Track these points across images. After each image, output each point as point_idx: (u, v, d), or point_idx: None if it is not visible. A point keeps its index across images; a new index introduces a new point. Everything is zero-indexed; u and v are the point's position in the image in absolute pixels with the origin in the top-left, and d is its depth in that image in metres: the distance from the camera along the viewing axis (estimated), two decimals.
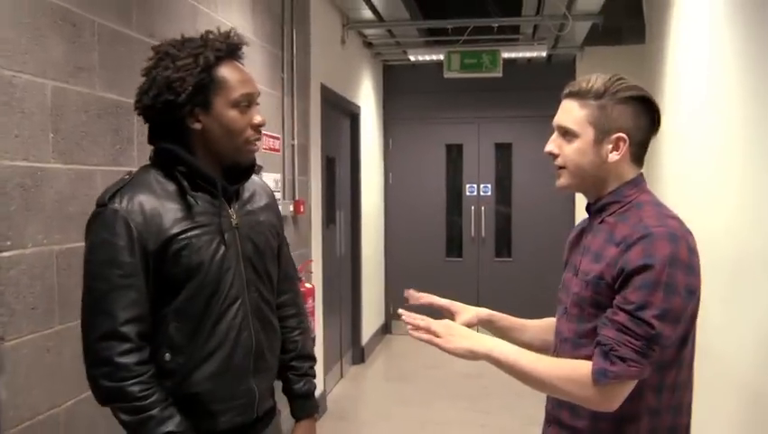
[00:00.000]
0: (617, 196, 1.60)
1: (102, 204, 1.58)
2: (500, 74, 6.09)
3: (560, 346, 1.66)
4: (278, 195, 4.21)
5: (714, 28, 2.96)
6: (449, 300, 1.85)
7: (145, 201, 1.59)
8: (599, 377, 1.47)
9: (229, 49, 1.68)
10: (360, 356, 6.63)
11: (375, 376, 6.43)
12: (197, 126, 1.65)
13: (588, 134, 1.58)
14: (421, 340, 1.59)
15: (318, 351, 5.05)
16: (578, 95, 1.60)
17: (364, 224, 6.84)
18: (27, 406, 2.00)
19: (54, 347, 2.11)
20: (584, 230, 1.70)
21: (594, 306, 1.56)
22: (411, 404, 5.41)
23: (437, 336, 1.57)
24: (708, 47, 3.06)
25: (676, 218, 1.56)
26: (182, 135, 1.66)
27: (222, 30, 1.71)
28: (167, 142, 1.66)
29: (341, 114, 6.17)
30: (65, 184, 2.17)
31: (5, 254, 1.92)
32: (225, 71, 1.65)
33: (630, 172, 1.61)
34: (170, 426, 1.57)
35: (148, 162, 1.71)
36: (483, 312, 1.85)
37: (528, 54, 6.62)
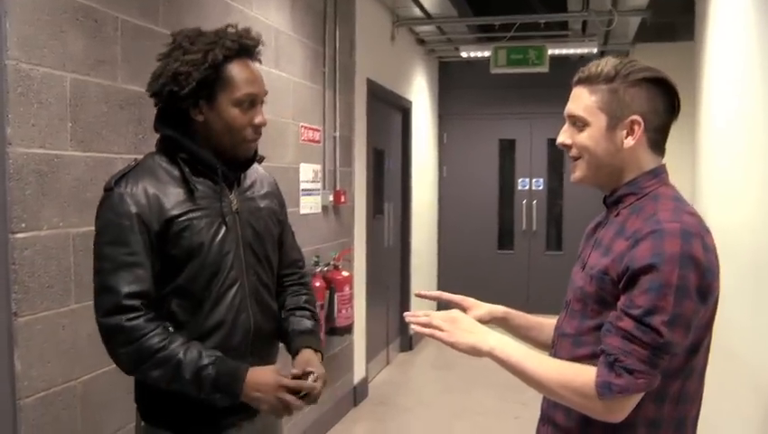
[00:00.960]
0: (633, 187, 1.49)
1: (109, 189, 1.68)
2: (546, 69, 6.06)
3: (559, 342, 1.59)
4: (318, 186, 4.30)
5: (749, 26, 2.86)
6: (461, 296, 1.79)
7: (149, 184, 1.68)
8: (604, 391, 1.36)
9: (242, 47, 1.72)
10: (407, 344, 6.70)
11: (420, 364, 6.48)
12: (200, 117, 1.72)
13: (600, 120, 1.48)
14: (424, 334, 1.53)
15: (360, 338, 5.14)
16: (588, 80, 1.50)
17: (415, 215, 6.89)
18: (42, 378, 2.14)
19: (70, 325, 2.24)
20: (599, 223, 1.61)
21: (598, 303, 1.46)
22: (451, 392, 5.44)
23: (441, 330, 1.51)
24: (744, 45, 2.96)
25: (694, 214, 1.43)
26: (186, 123, 1.74)
27: (242, 27, 1.76)
28: (172, 128, 1.74)
29: (390, 108, 6.22)
30: (83, 171, 2.30)
31: (20, 235, 2.05)
32: (233, 69, 1.70)
33: (649, 161, 1.50)
34: (203, 360, 1.63)
35: (154, 149, 1.80)
36: (498, 309, 1.78)
37: (578, 51, 6.54)
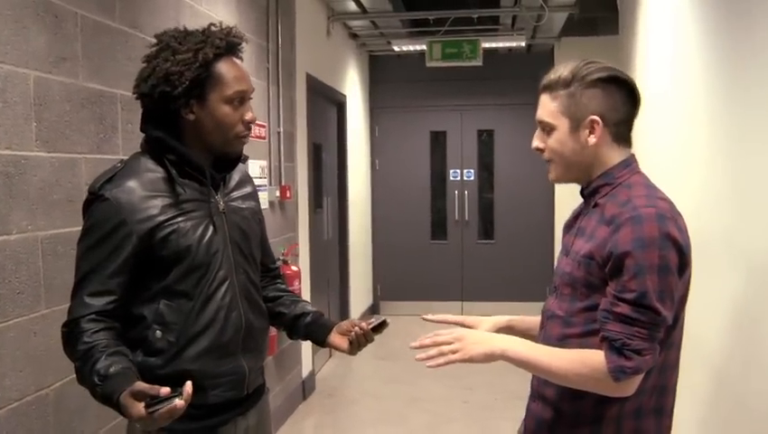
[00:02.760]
0: (608, 178, 1.60)
1: (93, 192, 1.67)
2: (480, 63, 6.21)
3: (548, 323, 1.67)
4: (265, 181, 4.28)
5: (678, 20, 3.03)
6: (462, 316, 1.87)
7: (135, 188, 1.66)
8: (618, 375, 1.46)
9: (229, 46, 1.74)
10: None
11: (363, 355, 6.40)
12: (190, 117, 1.71)
13: (563, 124, 1.59)
14: (440, 366, 1.56)
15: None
16: (549, 87, 1.61)
17: (351, 209, 6.93)
18: (15, 387, 2.07)
19: (41, 330, 2.18)
20: (579, 214, 1.71)
21: (586, 287, 1.56)
22: (398, 382, 5.51)
23: (452, 352, 1.55)
24: (673, 38, 3.13)
25: (666, 199, 1.55)
26: (175, 123, 1.73)
27: (224, 26, 1.77)
28: (160, 129, 1.72)
29: (327, 102, 6.23)
30: (49, 172, 2.23)
31: None
32: (222, 68, 1.71)
33: (615, 154, 1.61)
34: (97, 375, 1.57)
35: (139, 149, 1.78)
36: (501, 320, 1.85)
37: (507, 44, 6.74)
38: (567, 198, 8.50)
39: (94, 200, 1.66)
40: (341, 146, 6.70)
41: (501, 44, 6.74)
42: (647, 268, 1.45)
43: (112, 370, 1.57)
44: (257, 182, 4.09)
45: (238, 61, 1.77)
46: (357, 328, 1.92)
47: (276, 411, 4.45)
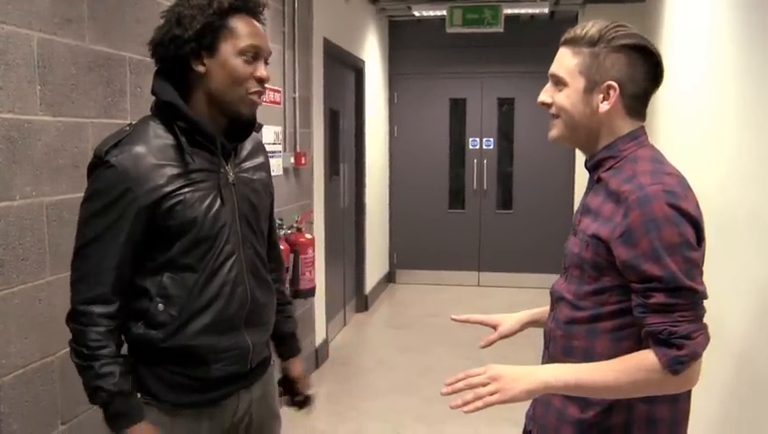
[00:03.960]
0: (612, 151, 1.51)
1: (99, 156, 1.62)
2: (501, 29, 6.05)
3: (557, 306, 1.61)
4: (279, 147, 4.22)
5: None
6: (487, 315, 1.81)
7: (142, 155, 1.61)
8: (676, 367, 1.38)
9: (245, 3, 1.69)
10: (363, 304, 6.72)
11: (377, 324, 6.52)
12: (201, 68, 1.66)
13: (578, 83, 1.50)
14: (478, 409, 1.43)
15: (320, 299, 5.11)
16: (572, 42, 1.52)
17: (368, 176, 6.86)
18: (20, 354, 2.05)
19: (46, 297, 2.15)
20: (587, 190, 1.63)
21: (594, 269, 1.49)
22: (412, 351, 5.50)
23: (490, 394, 1.43)
24: (703, 10, 3.00)
25: (675, 174, 1.46)
26: (186, 78, 1.67)
27: None
28: (170, 85, 1.67)
29: (345, 68, 6.13)
30: (54, 137, 2.18)
31: None
32: (237, 21, 1.67)
33: (625, 126, 1.52)
34: (103, 382, 1.60)
35: (149, 112, 1.73)
36: (525, 316, 1.81)
37: (530, 10, 6.56)
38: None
39: (99, 165, 1.61)
40: (359, 113, 6.61)
41: (523, 10, 6.57)
42: (667, 249, 1.37)
43: (126, 387, 1.62)
44: (271, 148, 4.06)
45: (257, 22, 1.72)
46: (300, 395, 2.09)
47: None
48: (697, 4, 3.21)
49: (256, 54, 1.68)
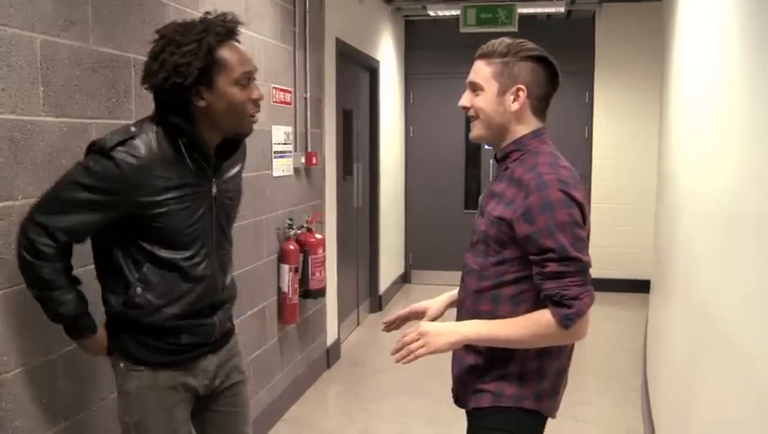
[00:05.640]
0: (518, 145, 1.81)
1: (103, 147, 1.79)
2: (515, 28, 6.01)
3: (466, 277, 1.90)
4: (290, 147, 4.23)
5: None
6: (411, 306, 2.16)
7: (143, 162, 1.81)
8: (567, 322, 1.69)
9: (228, 31, 1.87)
10: (377, 304, 6.72)
11: None
12: (201, 103, 1.85)
13: (492, 86, 1.80)
14: (410, 361, 1.79)
15: (332, 299, 5.13)
16: (486, 55, 1.81)
17: (383, 176, 6.86)
18: (22, 352, 2.08)
19: None
20: (494, 178, 1.92)
21: (497, 244, 1.78)
22: None
23: (419, 348, 1.77)
24: (716, 12, 2.96)
25: (567, 168, 1.77)
26: (187, 110, 1.87)
27: (219, 12, 1.90)
28: (173, 114, 1.87)
29: (359, 68, 6.13)
30: (57, 137, 2.21)
31: None
32: (226, 53, 1.85)
33: (531, 123, 1.82)
34: (63, 309, 1.89)
35: (152, 114, 1.92)
36: (446, 298, 2.13)
37: (545, 10, 6.52)
38: (604, 170, 8.35)
39: (102, 154, 1.79)
40: (374, 113, 6.61)
41: (538, 10, 6.53)
42: (559, 227, 1.67)
43: (82, 309, 1.93)
44: (281, 148, 4.09)
45: (237, 44, 1.91)
46: None
47: (299, 379, 4.46)
48: (710, 4, 3.18)
49: (248, 78, 1.90)
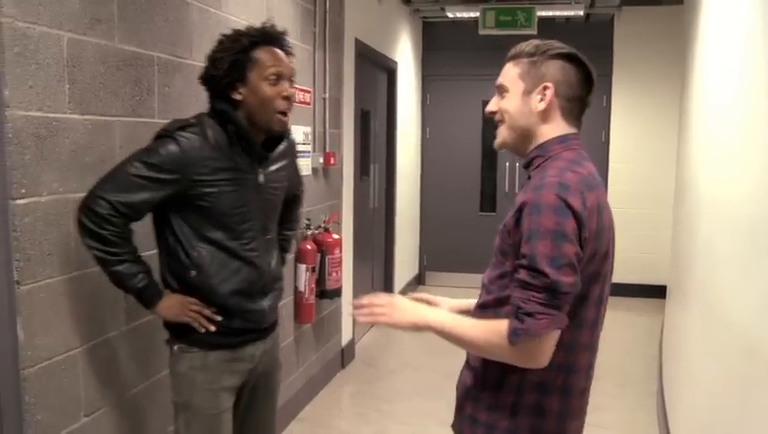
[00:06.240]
0: (541, 151, 1.64)
1: (169, 130, 2.05)
2: (534, 31, 6.00)
3: (481, 291, 1.74)
4: (309, 147, 4.24)
5: None
6: (431, 296, 1.94)
7: (200, 144, 2.04)
8: (512, 337, 1.49)
9: (263, 36, 2.11)
10: None
11: None
12: (238, 96, 2.09)
13: (518, 86, 1.65)
14: (366, 322, 1.70)
15: (347, 299, 5.12)
16: (514, 57, 1.69)
17: (399, 177, 6.86)
18: (44, 347, 2.09)
19: (71, 293, 2.19)
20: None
21: (501, 254, 1.62)
22: (438, 355, 5.43)
23: (381, 315, 1.67)
24: (741, 16, 2.94)
25: (580, 173, 1.55)
26: (230, 102, 2.10)
27: (270, 23, 2.18)
28: (221, 103, 2.12)
29: (377, 69, 6.14)
30: (82, 135, 2.23)
31: (20, 202, 1.98)
32: (260, 53, 2.09)
33: (559, 126, 1.64)
34: (131, 282, 2.06)
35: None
36: (454, 305, 1.89)
37: (564, 13, 6.49)
38: (622, 174, 8.27)
39: (167, 137, 2.04)
40: (391, 114, 6.61)
41: (557, 13, 6.51)
42: (539, 233, 1.46)
43: (148, 281, 2.10)
44: (300, 148, 4.09)
45: (279, 50, 2.13)
46: None
47: (313, 378, 4.47)
48: (733, 8, 3.15)
49: (278, 76, 2.09)
